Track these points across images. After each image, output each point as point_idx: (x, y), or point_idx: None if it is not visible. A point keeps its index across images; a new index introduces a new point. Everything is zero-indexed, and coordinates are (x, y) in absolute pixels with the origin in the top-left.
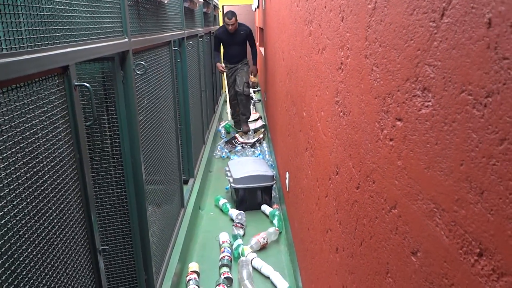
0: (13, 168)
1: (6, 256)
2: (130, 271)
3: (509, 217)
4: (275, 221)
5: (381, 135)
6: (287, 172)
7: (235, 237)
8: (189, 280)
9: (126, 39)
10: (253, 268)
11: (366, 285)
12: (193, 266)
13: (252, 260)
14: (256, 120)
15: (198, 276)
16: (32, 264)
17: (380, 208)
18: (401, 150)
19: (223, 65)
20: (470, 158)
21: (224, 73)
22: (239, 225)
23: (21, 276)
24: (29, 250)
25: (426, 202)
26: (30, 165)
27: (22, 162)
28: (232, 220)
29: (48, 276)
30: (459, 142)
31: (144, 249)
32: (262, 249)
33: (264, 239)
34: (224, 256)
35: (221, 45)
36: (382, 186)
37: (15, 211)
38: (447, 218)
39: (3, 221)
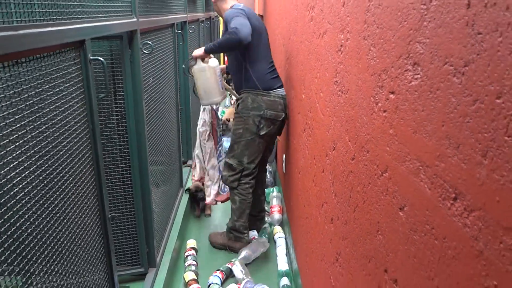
0: (32, 135)
1: (24, 219)
2: (132, 244)
3: (478, 163)
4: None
5: (376, 108)
6: (283, 155)
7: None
8: (188, 255)
9: (135, 19)
10: None
11: (358, 246)
12: (191, 243)
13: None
14: None
15: (196, 252)
16: (44, 223)
17: (372, 174)
18: (393, 119)
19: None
20: (449, 119)
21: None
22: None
23: (31, 237)
24: (40, 214)
25: (413, 162)
26: (48, 133)
27: (39, 130)
28: None
29: (62, 234)
30: (441, 107)
31: (146, 224)
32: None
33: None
34: None
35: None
36: (375, 154)
37: (33, 176)
38: (430, 172)
39: (24, 186)
